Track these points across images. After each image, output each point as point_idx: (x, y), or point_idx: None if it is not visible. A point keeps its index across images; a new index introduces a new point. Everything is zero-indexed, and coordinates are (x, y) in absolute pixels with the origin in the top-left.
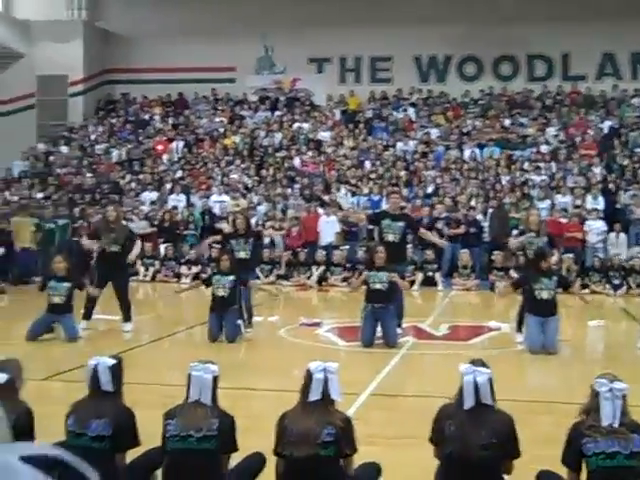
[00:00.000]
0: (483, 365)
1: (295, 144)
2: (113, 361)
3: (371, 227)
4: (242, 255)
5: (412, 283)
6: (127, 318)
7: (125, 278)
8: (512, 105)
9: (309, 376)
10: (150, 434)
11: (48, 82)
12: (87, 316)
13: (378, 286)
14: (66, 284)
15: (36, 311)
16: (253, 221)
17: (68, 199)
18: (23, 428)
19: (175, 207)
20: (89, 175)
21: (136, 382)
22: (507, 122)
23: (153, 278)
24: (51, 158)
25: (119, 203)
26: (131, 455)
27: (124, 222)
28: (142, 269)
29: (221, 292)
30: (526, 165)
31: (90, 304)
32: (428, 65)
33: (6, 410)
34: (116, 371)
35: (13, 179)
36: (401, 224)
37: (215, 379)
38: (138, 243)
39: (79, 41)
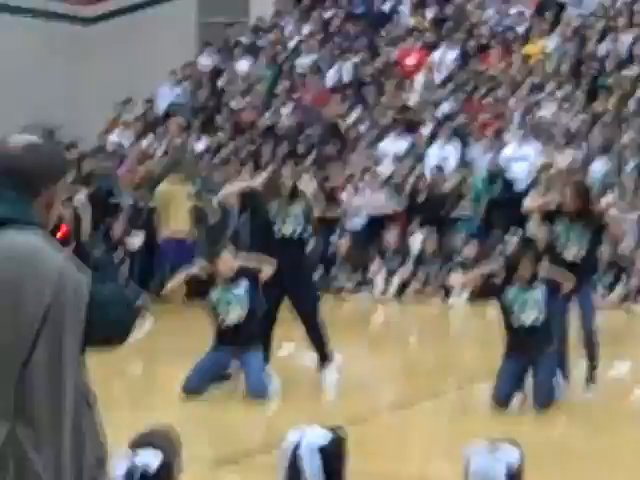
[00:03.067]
0: None
1: None
2: (327, 438)
3: None
4: (571, 254)
5: None
6: (324, 357)
7: (309, 285)
8: None
9: None
10: None
11: None
12: (265, 357)
13: None
14: (241, 290)
15: (198, 346)
16: None
17: (250, 152)
18: None
19: (439, 168)
20: (286, 110)
21: (367, 474)
22: None
23: (400, 292)
24: (221, 81)
25: (339, 158)
26: None
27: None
28: (380, 276)
29: (533, 319)
30: None
31: (265, 336)
32: None
33: None
34: (332, 456)
35: (157, 118)
36: None
37: (514, 473)
38: None
39: None
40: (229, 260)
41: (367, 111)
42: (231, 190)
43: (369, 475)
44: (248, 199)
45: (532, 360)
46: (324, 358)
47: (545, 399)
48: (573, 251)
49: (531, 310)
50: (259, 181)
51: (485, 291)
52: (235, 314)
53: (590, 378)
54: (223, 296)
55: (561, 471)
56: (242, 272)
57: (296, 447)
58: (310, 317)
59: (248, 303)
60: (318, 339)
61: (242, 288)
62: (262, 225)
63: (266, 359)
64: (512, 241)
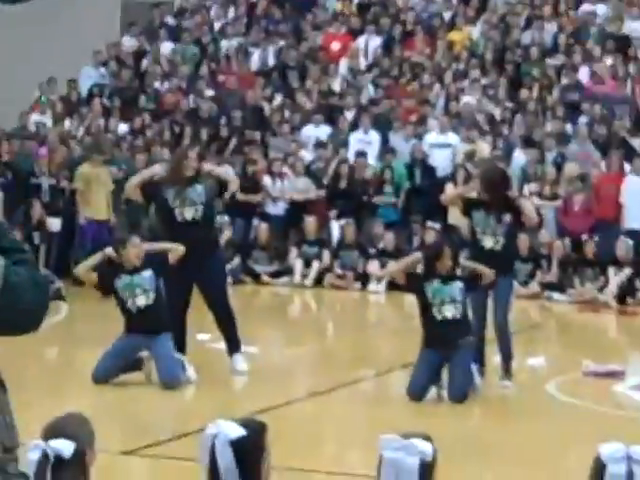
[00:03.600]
0: None
1: (580, 43)
2: (241, 431)
3: None
4: (489, 244)
5: None
6: (234, 346)
7: (217, 271)
8: None
9: (600, 468)
10: None
11: None
12: (180, 347)
13: None
14: (147, 273)
15: (115, 331)
16: None
17: (173, 136)
18: None
19: (362, 154)
20: (210, 94)
21: (281, 463)
22: None
23: (319, 281)
24: (144, 63)
25: (262, 142)
26: None
27: (212, 170)
28: (298, 264)
29: (453, 312)
30: None
31: (178, 324)
32: None
33: None
34: (247, 448)
35: (80, 100)
36: None
37: (426, 466)
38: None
39: None
40: (137, 245)
41: (290, 96)
42: (131, 184)
43: (283, 463)
44: (150, 189)
45: (448, 353)
46: (233, 348)
47: (460, 392)
48: (491, 240)
49: (449, 305)
50: (161, 168)
51: (407, 286)
52: (141, 300)
53: (505, 371)
54: (129, 283)
55: (474, 464)
56: (148, 257)
57: (213, 441)
58: (218, 304)
59: (154, 289)
60: (227, 328)
61: (148, 274)
62: (164, 212)
63: (182, 347)
64: (432, 229)
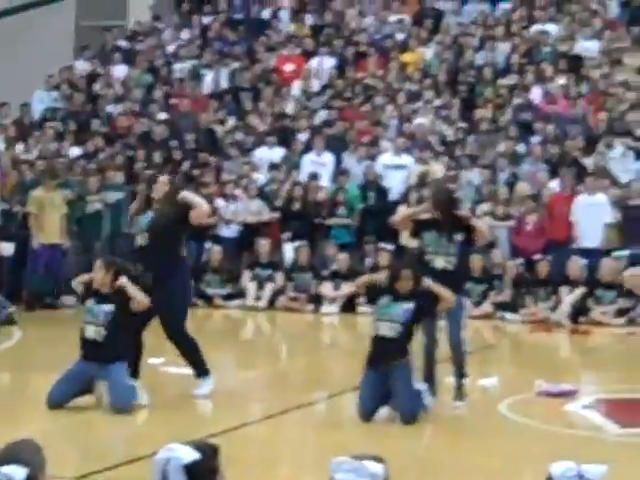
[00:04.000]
0: None
1: (533, 63)
2: (194, 455)
3: None
4: (441, 264)
5: None
6: (197, 372)
7: (170, 300)
8: None
9: None
10: None
11: None
12: (133, 371)
13: None
14: (107, 307)
15: (68, 356)
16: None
17: (126, 159)
18: None
19: (314, 176)
20: (162, 117)
21: None
22: None
23: (272, 303)
24: (97, 87)
25: (215, 165)
26: None
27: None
28: (251, 286)
29: (387, 331)
30: None
31: (135, 350)
32: None
33: None
34: (200, 472)
35: (32, 124)
36: None
37: None
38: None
39: None
40: (100, 269)
41: (243, 118)
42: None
43: None
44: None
45: (387, 370)
46: (196, 373)
47: (408, 413)
48: (443, 260)
49: (386, 323)
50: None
51: (366, 295)
52: (90, 332)
53: (458, 391)
54: (88, 309)
55: None
56: (118, 292)
57: (165, 465)
58: (171, 333)
59: (107, 324)
60: (184, 355)
61: (107, 307)
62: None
63: (135, 372)
64: (384, 250)
